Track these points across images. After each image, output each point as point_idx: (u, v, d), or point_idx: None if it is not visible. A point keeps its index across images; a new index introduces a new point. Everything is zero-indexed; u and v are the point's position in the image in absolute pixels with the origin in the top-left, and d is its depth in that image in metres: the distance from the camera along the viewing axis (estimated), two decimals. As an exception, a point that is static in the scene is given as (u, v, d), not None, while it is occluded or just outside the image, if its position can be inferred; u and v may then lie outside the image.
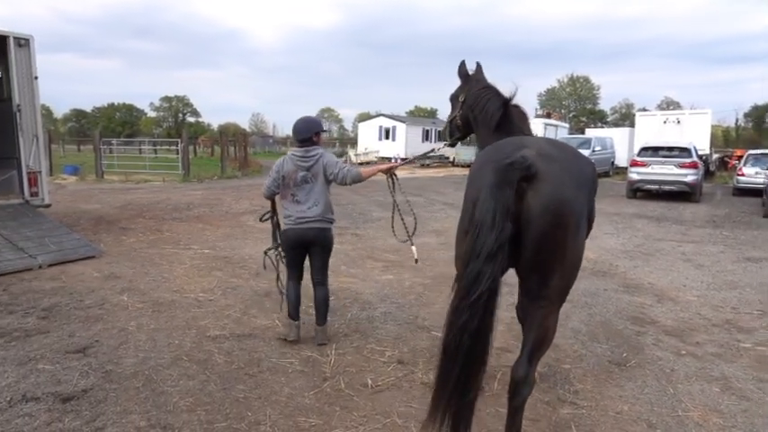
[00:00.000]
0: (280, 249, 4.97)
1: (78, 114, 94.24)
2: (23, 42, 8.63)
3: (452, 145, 4.47)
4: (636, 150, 19.44)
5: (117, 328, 4.97)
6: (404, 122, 40.07)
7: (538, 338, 2.74)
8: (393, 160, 37.80)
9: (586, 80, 79.67)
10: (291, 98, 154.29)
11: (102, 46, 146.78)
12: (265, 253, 5.14)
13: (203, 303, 5.76)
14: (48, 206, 9.16)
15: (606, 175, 27.50)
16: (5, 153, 9.18)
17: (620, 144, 29.44)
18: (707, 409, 3.71)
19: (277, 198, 4.82)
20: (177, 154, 25.47)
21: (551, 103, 76.24)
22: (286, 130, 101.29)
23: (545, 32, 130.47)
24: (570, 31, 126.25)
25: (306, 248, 4.69)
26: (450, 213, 12.99)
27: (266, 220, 5.11)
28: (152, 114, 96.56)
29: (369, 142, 40.25)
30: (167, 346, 4.59)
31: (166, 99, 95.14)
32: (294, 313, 4.75)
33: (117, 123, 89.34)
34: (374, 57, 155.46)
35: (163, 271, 7.07)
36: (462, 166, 34.10)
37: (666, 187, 16.45)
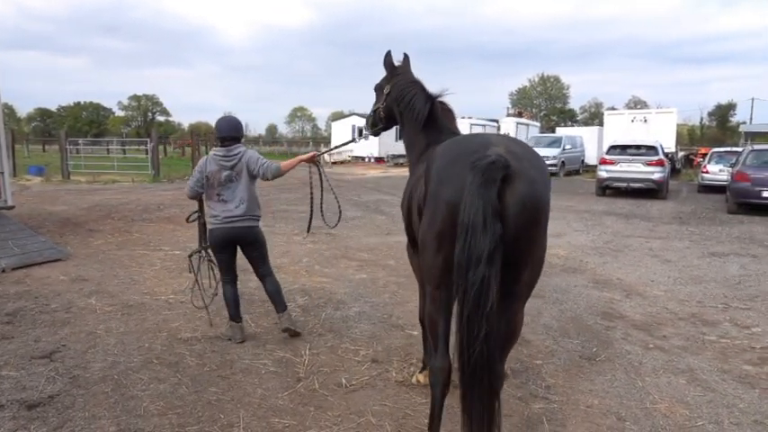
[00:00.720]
0: (208, 251, 4.95)
1: (43, 113, 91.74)
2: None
3: (376, 134, 4.50)
4: (605, 149, 19.84)
5: (85, 332, 4.85)
6: (377, 121, 40.12)
7: (509, 334, 2.73)
8: (367, 159, 37.81)
9: (557, 80, 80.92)
10: (264, 97, 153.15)
11: (68, 44, 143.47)
12: (190, 257, 5.09)
13: (174, 305, 5.67)
14: (11, 208, 8.88)
15: (576, 173, 28.00)
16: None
17: (589, 142, 30.00)
18: (674, 400, 3.80)
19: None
20: (147, 154, 25.00)
21: (523, 102, 77.20)
22: (259, 129, 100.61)
23: (518, 33, 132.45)
24: (542, 32, 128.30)
25: (235, 247, 4.72)
26: (423, 212, 13.05)
27: (193, 220, 5.01)
28: (120, 113, 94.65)
29: (342, 141, 40.17)
30: (137, 349, 4.51)
31: (135, 98, 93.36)
32: (235, 315, 4.77)
33: (84, 123, 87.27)
34: (347, 56, 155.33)
35: (132, 273, 6.93)
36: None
37: (634, 185, 16.81)
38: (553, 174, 25.81)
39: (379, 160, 37.45)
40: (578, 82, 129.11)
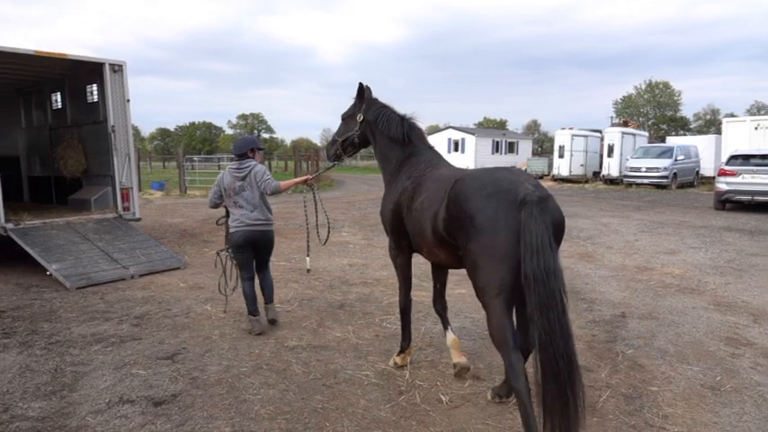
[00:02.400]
0: (230, 250, 5.67)
1: (163, 133, 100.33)
2: (117, 68, 9.31)
3: (340, 161, 5.03)
4: (724, 159, 18.27)
5: (202, 337, 5.21)
6: (473, 134, 39.79)
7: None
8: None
9: (666, 86, 75.87)
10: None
11: (184, 68, 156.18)
12: (218, 253, 6.02)
13: (281, 314, 5.93)
14: (138, 220, 9.77)
15: (690, 185, 26.02)
16: (102, 171, 9.91)
17: (705, 152, 27.80)
18: (816, 440, 3.40)
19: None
20: (253, 169, 26.45)
21: (628, 111, 73.13)
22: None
23: (618, 38, 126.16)
24: (646, 36, 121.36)
25: (252, 248, 5.43)
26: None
27: (222, 223, 5.83)
28: (229, 131, 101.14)
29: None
30: (248, 354, 4.76)
31: (243, 117, 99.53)
32: (253, 310, 5.40)
33: (197, 141, 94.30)
34: (439, 70, 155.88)
35: (242, 282, 7.34)
36: (534, 178, 33.33)
37: (760, 198, 15.31)
38: (663, 186, 24.18)
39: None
40: (690, 88, 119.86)
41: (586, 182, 29.46)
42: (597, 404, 3.84)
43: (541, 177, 33.06)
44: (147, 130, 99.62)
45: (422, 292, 6.82)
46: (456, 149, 39.75)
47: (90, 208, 9.77)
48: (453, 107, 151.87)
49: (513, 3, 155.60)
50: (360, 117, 4.64)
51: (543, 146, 76.00)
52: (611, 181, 27.82)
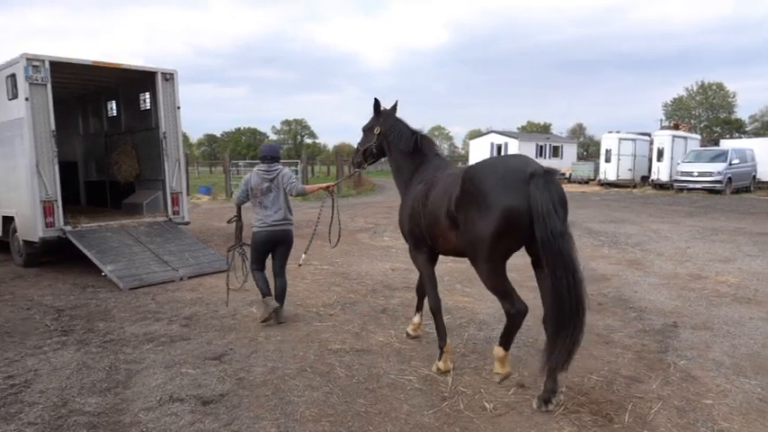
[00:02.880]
0: (243, 248, 6.23)
1: (210, 139, 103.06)
2: (169, 77, 9.64)
3: (363, 169, 5.60)
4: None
5: (248, 338, 5.32)
6: (516, 138, 39.28)
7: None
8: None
9: (720, 87, 72.90)
10: (403, 117, 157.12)
11: (231, 76, 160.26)
12: (229, 250, 6.38)
13: (324, 317, 6.00)
14: (187, 223, 10.07)
15: (746, 190, 24.93)
16: (153, 176, 10.27)
17: (762, 156, 26.57)
18: None
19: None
20: (296, 174, 26.87)
21: (679, 114, 70.62)
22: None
23: (668, 39, 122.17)
24: (697, 36, 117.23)
25: (272, 247, 5.82)
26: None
27: (232, 222, 6.23)
28: (273, 137, 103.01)
29: (480, 158, 39.79)
30: (293, 357, 4.83)
31: (286, 122, 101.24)
32: (266, 291, 5.81)
33: (243, 146, 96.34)
34: (483, 74, 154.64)
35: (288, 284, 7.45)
36: (579, 183, 32.62)
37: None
38: (717, 191, 23.24)
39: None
40: (746, 89, 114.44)
41: (634, 186, 28.61)
42: (648, 416, 3.72)
43: (587, 182, 32.31)
44: (194, 137, 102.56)
45: (464, 297, 6.78)
46: (499, 154, 39.32)
47: (142, 211, 10.13)
48: (496, 111, 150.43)
49: (560, 4, 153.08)
50: (377, 130, 5.10)
51: (589, 150, 74.29)
52: (661, 186, 26.93)
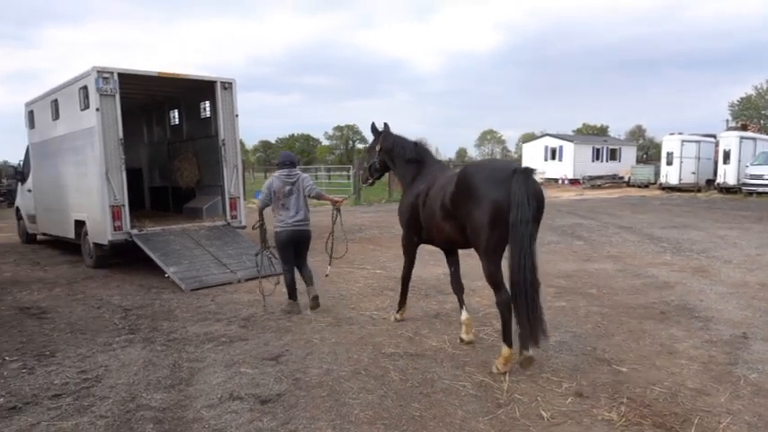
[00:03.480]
0: (270, 250, 6.70)
1: (265, 145, 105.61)
2: (227, 85, 9.99)
3: (371, 184, 6.44)
4: None
5: (303, 340, 5.43)
6: (571, 141, 38.29)
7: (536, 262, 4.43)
8: (560, 181, 36.27)
9: (793, 85, 68.69)
10: (454, 121, 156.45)
11: (285, 83, 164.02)
12: (256, 255, 6.83)
13: (377, 321, 6.04)
14: (244, 227, 10.37)
15: (824, 194, 23.37)
16: (213, 181, 10.64)
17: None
18: None
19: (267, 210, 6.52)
20: (348, 179, 27.21)
21: (747, 114, 67.03)
22: (449, 152, 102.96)
23: (734, 35, 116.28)
24: (766, 32, 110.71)
25: (294, 245, 6.40)
26: (627, 237, 12.04)
27: (257, 228, 6.71)
28: (326, 143, 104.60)
29: (534, 162, 39.09)
30: (347, 359, 4.89)
31: (338, 128, 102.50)
32: (293, 295, 6.48)
33: (296, 152, 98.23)
34: (537, 76, 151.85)
35: (340, 289, 7.58)
36: (639, 187, 31.50)
37: None
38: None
39: (573, 182, 35.63)
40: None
41: (698, 190, 27.35)
42: (716, 431, 3.55)
43: (647, 186, 31.15)
44: (250, 143, 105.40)
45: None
46: (553, 157, 38.45)
47: (202, 216, 10.51)
48: (550, 114, 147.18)
49: (616, 3, 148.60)
50: (378, 147, 5.95)
51: (649, 152, 71.55)
52: (728, 190, 25.63)
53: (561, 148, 38.16)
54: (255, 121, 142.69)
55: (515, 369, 4.60)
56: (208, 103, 10.89)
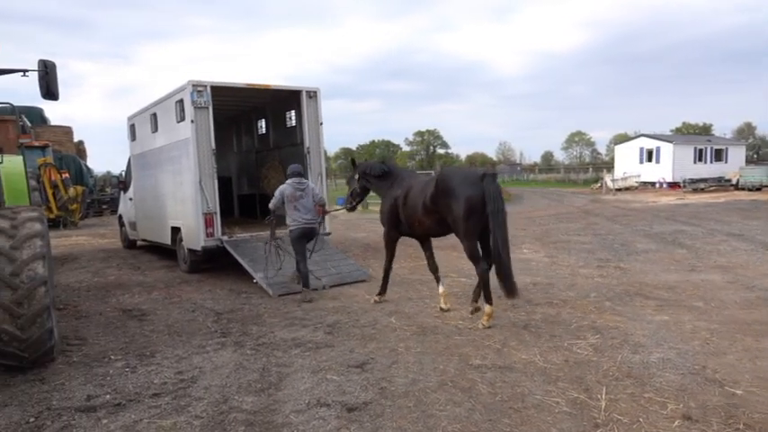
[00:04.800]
0: (277, 241, 8.24)
1: (346, 152, 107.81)
2: (312, 94, 10.29)
3: (353, 208, 8.03)
4: None
5: (388, 348, 5.45)
6: (670, 142, 36.07)
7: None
8: (657, 185, 34.30)
9: None
10: (538, 124, 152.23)
11: (363, 90, 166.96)
12: (266, 243, 8.30)
13: (463, 331, 5.96)
14: (328, 234, 10.62)
15: None
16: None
17: None
18: None
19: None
20: (430, 185, 27.14)
21: None
22: (533, 156, 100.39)
23: None
24: None
25: (306, 239, 7.78)
26: (737, 246, 11.14)
27: (268, 222, 8.17)
28: (406, 149, 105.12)
29: (627, 166, 37.23)
30: (433, 370, 4.86)
31: (419, 133, 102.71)
32: (306, 283, 7.77)
33: (377, 158, 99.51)
34: (627, 73, 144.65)
35: (424, 297, 7.56)
36: (749, 190, 29.09)
37: None
38: None
39: (672, 185, 33.54)
40: None
41: (821, 194, 24.84)
42: None
43: (759, 189, 28.71)
44: (331, 150, 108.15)
45: (615, 316, 6.34)
46: (649, 159, 36.39)
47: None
48: (644, 113, 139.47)
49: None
50: (356, 176, 7.52)
51: (760, 152, 66.03)
52: None
53: (658, 149, 36.05)
54: (336, 128, 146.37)
55: (612, 386, 4.37)
56: (293, 113, 11.28)
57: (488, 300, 5.99)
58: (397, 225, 6.95)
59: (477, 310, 6.39)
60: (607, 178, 35.96)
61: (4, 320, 4.63)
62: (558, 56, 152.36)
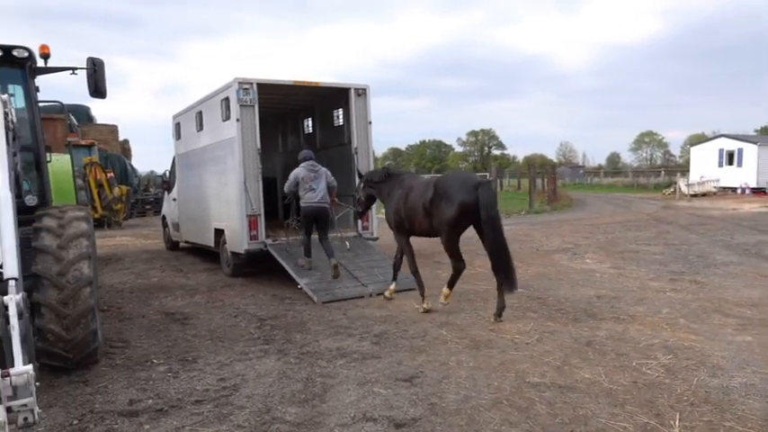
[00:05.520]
0: (297, 220, 9.51)
1: (395, 152, 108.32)
2: (361, 92, 10.38)
3: (361, 215, 9.83)
4: None
5: (438, 362, 5.42)
6: (754, 143, 34.41)
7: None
8: (739, 191, 32.87)
9: None
10: (603, 123, 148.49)
11: (414, 87, 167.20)
12: (288, 223, 10.00)
13: (520, 346, 5.86)
14: (376, 239, 10.68)
15: None
16: (345, 191, 11.07)
17: None
18: None
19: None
20: (485, 188, 26.85)
21: None
22: (598, 158, 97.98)
23: None
24: None
25: (315, 218, 8.82)
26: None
27: (288, 202, 9.48)
28: (459, 149, 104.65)
29: (705, 169, 35.77)
30: (487, 386, 4.80)
31: (473, 133, 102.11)
32: (308, 253, 9.01)
33: (427, 160, 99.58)
34: (705, 68, 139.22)
35: (477, 308, 7.48)
36: None
37: None
38: None
39: (756, 191, 32.02)
40: None
41: None
42: None
43: None
44: (379, 150, 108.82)
45: (691, 335, 6.10)
46: (730, 162, 34.86)
47: (333, 227, 10.98)
48: (724, 111, 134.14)
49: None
50: (361, 185, 8.61)
51: None
52: None
53: (741, 151, 34.49)
54: (384, 127, 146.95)
55: (687, 412, 4.19)
56: (341, 111, 11.39)
57: (451, 286, 7.33)
58: (402, 224, 7.58)
59: (447, 298, 7.38)
60: (681, 183, 34.65)
61: (50, 320, 4.86)
62: (628, 48, 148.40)
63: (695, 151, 39.76)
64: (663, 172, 54.00)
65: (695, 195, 32.40)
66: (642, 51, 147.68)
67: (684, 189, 33.27)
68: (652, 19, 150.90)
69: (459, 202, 6.65)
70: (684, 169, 43.67)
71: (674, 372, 5.02)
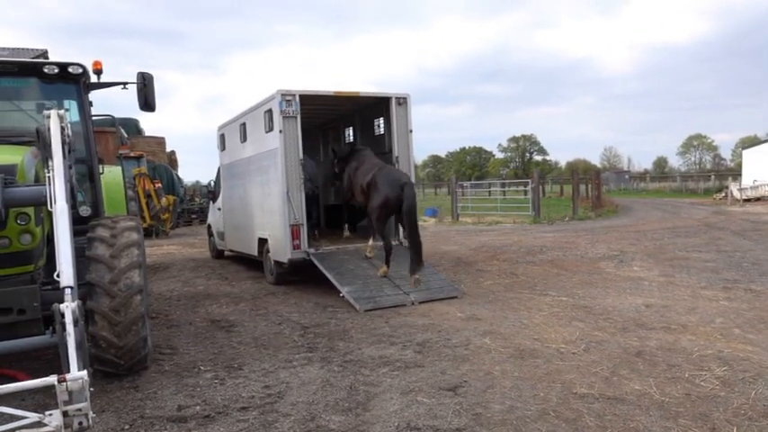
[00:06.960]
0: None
1: (434, 160, 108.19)
2: (402, 101, 10.39)
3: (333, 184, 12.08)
4: None
5: (483, 371, 5.36)
6: (812, 145, 32.97)
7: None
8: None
9: None
10: (649, 127, 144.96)
11: (454, 94, 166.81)
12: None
13: (566, 356, 5.74)
14: (417, 247, 10.61)
15: None
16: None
17: None
18: None
19: None
20: (525, 195, 26.53)
21: None
22: (644, 163, 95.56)
23: None
24: None
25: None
26: None
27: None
28: (499, 156, 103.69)
29: (759, 172, 34.39)
30: (532, 397, 4.71)
31: (514, 139, 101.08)
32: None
33: (467, 167, 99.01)
34: (757, 67, 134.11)
35: (521, 317, 7.36)
36: None
37: None
38: None
39: (814, 196, 30.57)
40: None
41: None
42: None
43: None
44: (419, 158, 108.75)
45: (746, 345, 5.86)
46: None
47: (374, 235, 11.01)
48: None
49: None
50: (336, 161, 10.44)
51: None
52: None
53: (796, 153, 33.06)
54: (425, 135, 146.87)
55: (745, 426, 4.02)
56: (382, 120, 11.43)
57: (387, 264, 9.01)
58: (348, 191, 9.92)
59: (385, 274, 8.95)
60: (733, 187, 33.41)
61: (103, 327, 5.02)
62: (675, 49, 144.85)
63: (747, 154, 38.37)
64: (713, 176, 52.25)
65: (748, 200, 31.19)
66: (690, 52, 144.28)
67: (737, 193, 32.09)
68: (702, 18, 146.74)
69: (386, 195, 8.53)
70: (736, 173, 42.11)
71: (730, 384, 4.82)
